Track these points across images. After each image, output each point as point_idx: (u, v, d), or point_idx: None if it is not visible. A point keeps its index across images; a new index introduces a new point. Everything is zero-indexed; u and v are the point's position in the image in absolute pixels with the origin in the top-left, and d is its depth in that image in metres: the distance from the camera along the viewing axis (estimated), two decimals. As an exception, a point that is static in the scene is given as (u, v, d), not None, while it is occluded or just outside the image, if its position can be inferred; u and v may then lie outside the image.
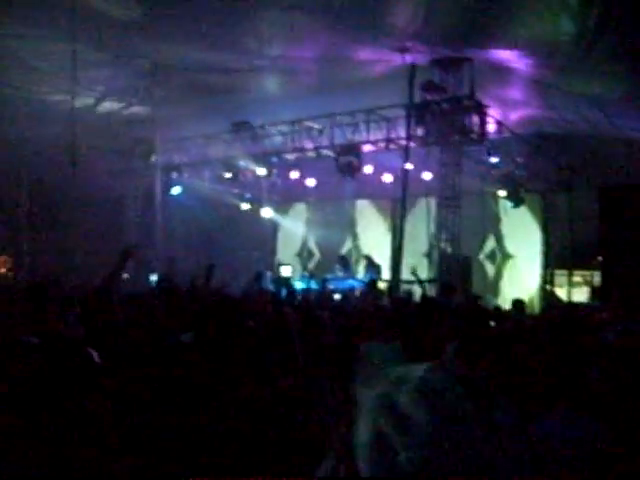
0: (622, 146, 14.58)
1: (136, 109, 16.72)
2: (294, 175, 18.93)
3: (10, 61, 13.47)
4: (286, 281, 14.50)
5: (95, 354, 3.31)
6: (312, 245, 21.86)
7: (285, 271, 18.39)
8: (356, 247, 20.79)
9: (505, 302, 17.45)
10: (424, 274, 17.95)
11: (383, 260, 18.68)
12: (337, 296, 14.07)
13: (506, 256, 18.35)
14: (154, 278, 15.52)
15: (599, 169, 15.50)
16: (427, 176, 16.56)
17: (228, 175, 18.98)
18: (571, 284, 17.68)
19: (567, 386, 3.53)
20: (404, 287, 15.02)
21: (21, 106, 15.26)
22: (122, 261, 5.89)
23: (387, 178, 17.98)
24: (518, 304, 11.18)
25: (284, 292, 11.03)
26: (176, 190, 19.64)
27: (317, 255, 21.62)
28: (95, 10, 11.43)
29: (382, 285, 15.60)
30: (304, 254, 21.91)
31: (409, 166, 14.38)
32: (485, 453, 1.12)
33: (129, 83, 15.21)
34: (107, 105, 16.52)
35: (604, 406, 3.45)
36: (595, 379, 3.87)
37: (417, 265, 15.65)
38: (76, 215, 15.25)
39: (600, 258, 16.16)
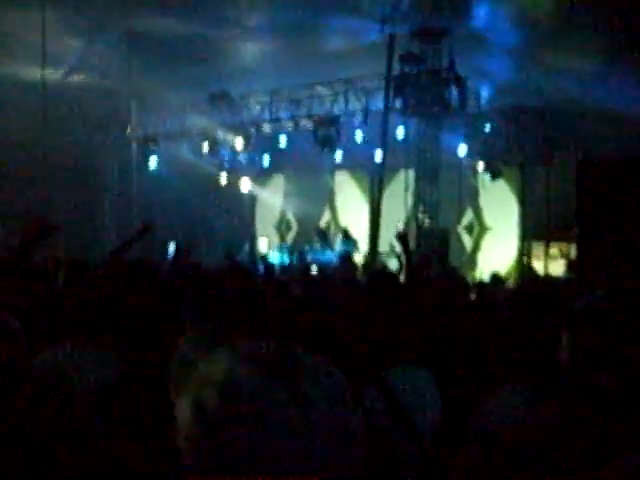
0: (601, 119, 14.57)
1: (111, 80, 16.44)
2: (272, 146, 18.75)
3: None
4: (263, 257, 14.52)
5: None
6: (290, 217, 21.76)
7: (262, 244, 18.29)
8: (335, 220, 20.73)
9: (482, 275, 17.55)
10: (398, 246, 17.98)
11: (362, 233, 18.67)
12: (314, 270, 14.01)
13: (484, 228, 18.40)
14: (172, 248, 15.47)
15: (577, 142, 15.50)
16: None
17: (206, 146, 18.77)
18: (548, 256, 17.76)
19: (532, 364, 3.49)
20: (380, 260, 15.04)
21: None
22: (139, 236, 5.74)
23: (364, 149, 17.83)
24: (495, 278, 11.17)
25: (261, 268, 10.96)
26: (152, 162, 19.38)
27: (295, 227, 21.55)
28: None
29: (358, 258, 15.59)
30: (282, 226, 21.82)
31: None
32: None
33: (103, 53, 14.94)
34: (81, 76, 16.22)
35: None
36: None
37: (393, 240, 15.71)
38: (51, 189, 15.05)
39: (576, 230, 16.23)
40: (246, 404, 1.08)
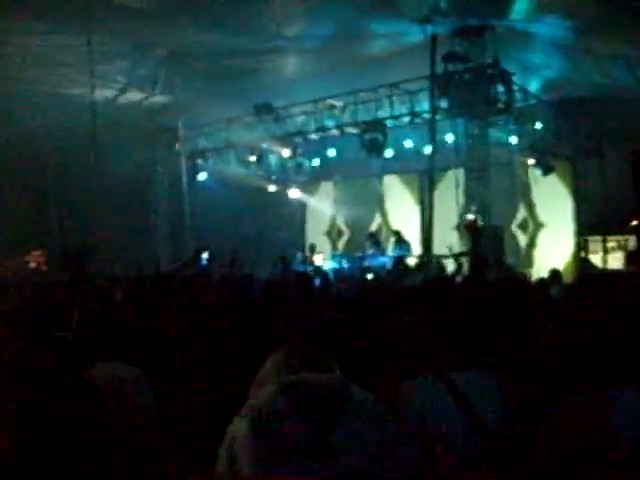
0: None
1: (157, 98, 16.72)
2: (319, 155, 18.77)
3: (28, 57, 13.51)
4: (319, 270, 14.54)
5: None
6: (341, 223, 21.75)
7: (317, 259, 18.19)
8: (386, 223, 20.64)
9: (539, 272, 17.26)
10: (456, 248, 17.82)
11: (413, 235, 18.58)
12: (370, 275, 13.97)
13: (538, 225, 18.10)
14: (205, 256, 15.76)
15: (629, 132, 15.14)
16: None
17: (253, 158, 18.92)
18: (605, 250, 17.39)
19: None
20: (436, 262, 14.90)
21: (40, 101, 15.32)
22: (195, 256, 5.96)
23: (413, 152, 17.72)
24: (555, 274, 10.96)
25: (318, 281, 10.93)
26: (202, 176, 19.64)
27: (346, 233, 21.53)
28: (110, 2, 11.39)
29: (412, 262, 15.48)
30: (333, 233, 21.83)
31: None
32: None
33: (149, 72, 15.19)
34: (128, 96, 16.53)
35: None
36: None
37: (451, 240, 15.62)
38: (103, 208, 15.33)
39: (635, 222, 15.84)
40: (274, 441, 1.07)
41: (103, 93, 15.28)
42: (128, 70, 15.05)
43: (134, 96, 16.62)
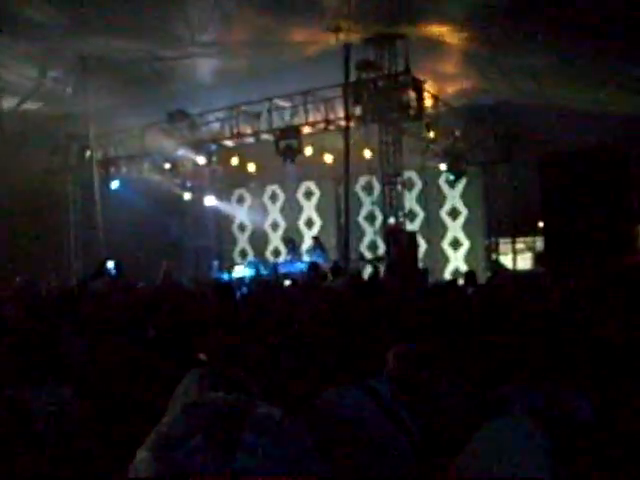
0: (556, 115, 14.87)
1: (68, 104, 16.29)
2: (234, 162, 18.69)
3: None
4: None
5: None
6: (257, 230, 21.68)
7: (238, 271, 18.01)
8: (301, 229, 20.71)
9: (451, 274, 17.74)
10: (368, 253, 18.16)
11: (331, 241, 18.77)
12: (287, 281, 14.01)
13: (450, 228, 18.57)
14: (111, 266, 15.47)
15: (536, 138, 15.79)
16: (367, 154, 16.53)
17: (167, 166, 18.69)
18: (515, 251, 18.04)
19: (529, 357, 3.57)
20: (352, 267, 15.09)
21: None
22: (100, 268, 5.88)
23: (328, 159, 17.90)
24: (470, 275, 11.33)
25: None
26: (115, 184, 19.24)
27: (263, 240, 21.50)
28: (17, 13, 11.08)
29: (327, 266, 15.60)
30: (256, 240, 21.70)
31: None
32: None
33: (59, 78, 14.81)
34: (37, 102, 16.05)
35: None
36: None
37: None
38: (15, 217, 14.85)
39: (541, 224, 16.49)
40: (175, 464, 1.03)
41: (9, 99, 14.81)
42: (37, 74, 14.61)
43: (43, 102, 16.14)
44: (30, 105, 16.02)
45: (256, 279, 15.37)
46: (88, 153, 17.97)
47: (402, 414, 2.94)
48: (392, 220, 14.94)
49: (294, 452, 1.09)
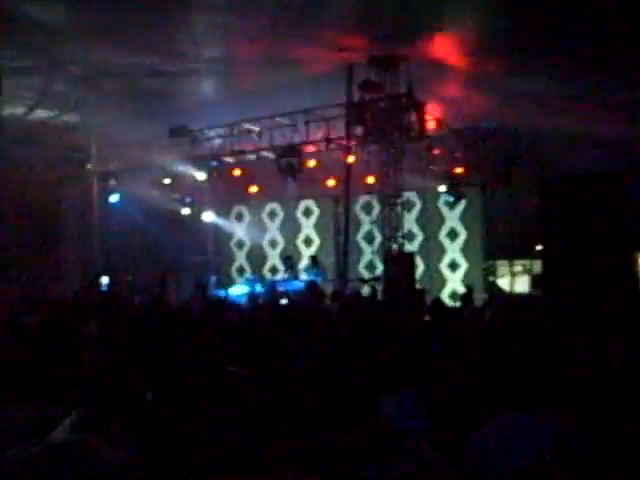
0: (559, 139, 14.93)
1: (70, 116, 16.32)
2: (234, 178, 18.69)
3: None
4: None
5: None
6: (256, 247, 21.62)
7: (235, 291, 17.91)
8: (300, 248, 20.67)
9: (449, 296, 17.71)
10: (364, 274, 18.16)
11: (329, 260, 18.74)
12: (284, 300, 13.96)
13: (449, 250, 18.55)
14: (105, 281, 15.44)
15: (536, 162, 15.85)
16: (370, 180, 16.57)
17: (167, 181, 18.69)
18: (512, 274, 18.01)
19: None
20: (351, 286, 15.07)
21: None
22: (92, 283, 5.86)
23: (330, 181, 17.92)
24: (467, 297, 11.32)
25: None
26: (114, 198, 19.21)
27: (261, 257, 21.44)
28: (22, 16, 11.09)
29: (328, 286, 15.56)
30: (254, 257, 21.63)
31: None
32: None
33: (62, 90, 14.83)
34: (39, 113, 16.06)
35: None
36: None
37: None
38: (12, 228, 14.81)
39: (539, 247, 16.51)
40: None
41: (12, 109, 14.82)
42: (40, 86, 14.63)
43: (45, 113, 16.15)
44: (32, 116, 16.03)
45: (250, 297, 15.33)
46: (88, 166, 17.98)
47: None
48: (395, 247, 14.93)
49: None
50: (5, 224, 15.58)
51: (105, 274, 16.23)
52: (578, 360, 4.80)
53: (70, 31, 11.97)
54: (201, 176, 18.30)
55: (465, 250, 18.31)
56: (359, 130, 14.96)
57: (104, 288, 15.61)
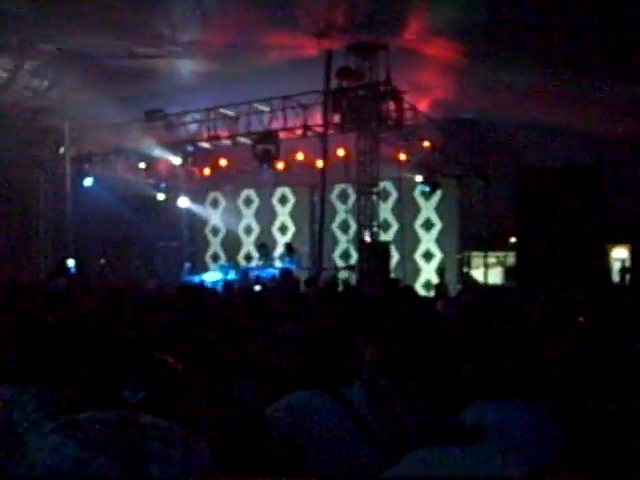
0: (534, 131, 15.00)
1: (43, 97, 16.06)
2: (210, 163, 18.57)
3: None
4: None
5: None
6: (230, 234, 21.47)
7: (208, 277, 17.80)
8: (275, 235, 20.59)
9: (423, 286, 17.77)
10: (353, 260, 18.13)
11: (304, 248, 18.67)
12: (257, 287, 13.89)
13: (424, 240, 18.58)
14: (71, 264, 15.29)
15: (512, 154, 15.92)
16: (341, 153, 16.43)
17: (142, 165, 18.50)
18: (486, 265, 18.08)
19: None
20: (326, 274, 15.04)
21: None
22: (59, 266, 5.77)
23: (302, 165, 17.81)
24: (441, 288, 11.35)
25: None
26: (88, 182, 18.95)
27: (235, 244, 21.31)
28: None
29: (302, 274, 15.52)
30: (229, 243, 21.49)
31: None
32: None
33: (36, 70, 14.60)
34: (11, 93, 15.78)
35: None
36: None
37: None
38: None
39: (513, 239, 16.60)
40: None
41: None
42: (14, 65, 14.37)
43: (19, 93, 15.87)
44: (4, 96, 15.75)
45: (224, 284, 15.26)
46: (62, 149, 17.71)
47: (369, 419, 2.90)
48: (367, 238, 14.93)
49: (199, 463, 1.07)
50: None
51: (73, 258, 16.00)
52: (550, 347, 4.81)
53: (44, 12, 11.77)
54: (176, 161, 18.14)
55: (440, 240, 18.35)
56: (336, 118, 14.90)
57: (72, 272, 15.39)
